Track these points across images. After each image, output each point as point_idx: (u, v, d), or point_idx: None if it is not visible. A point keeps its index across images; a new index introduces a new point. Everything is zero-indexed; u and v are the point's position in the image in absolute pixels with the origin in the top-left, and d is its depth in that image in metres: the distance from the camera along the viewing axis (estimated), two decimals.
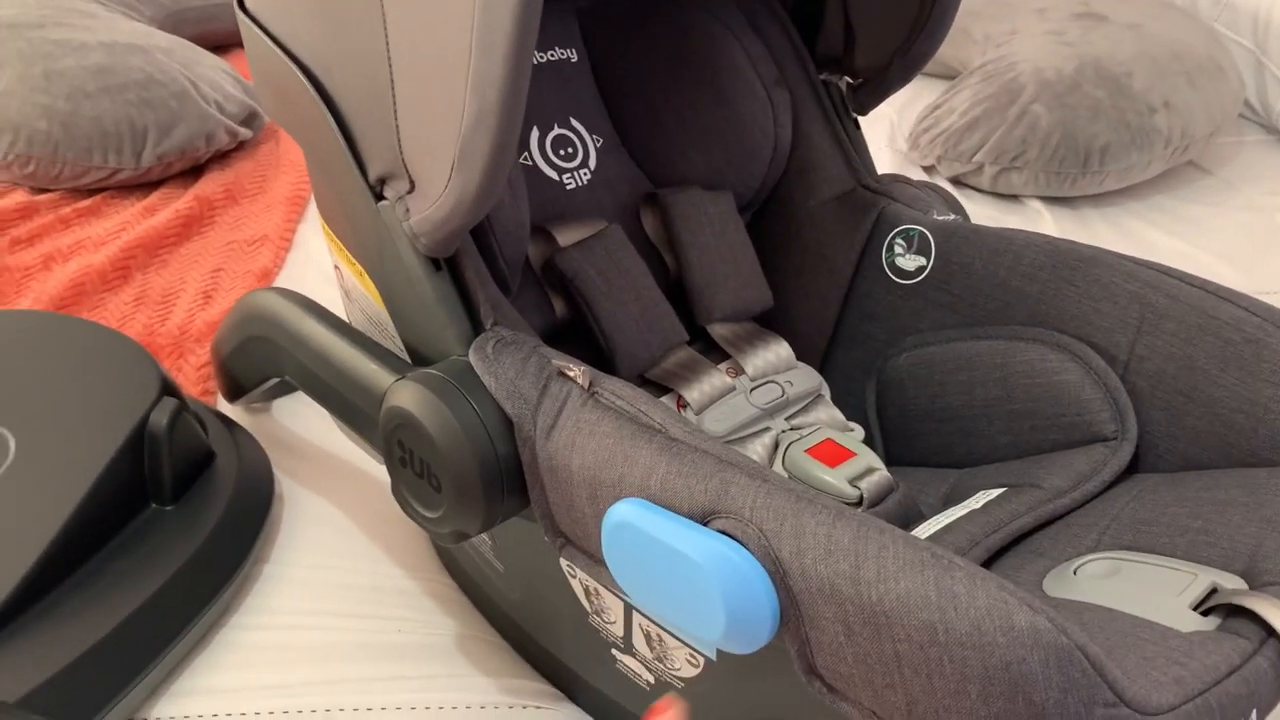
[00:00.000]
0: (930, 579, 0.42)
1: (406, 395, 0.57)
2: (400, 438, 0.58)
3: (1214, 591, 0.52)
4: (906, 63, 0.76)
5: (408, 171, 0.57)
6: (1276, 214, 1.36)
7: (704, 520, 0.47)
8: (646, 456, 0.50)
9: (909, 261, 0.76)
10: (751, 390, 0.72)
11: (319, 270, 1.12)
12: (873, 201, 0.78)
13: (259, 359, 0.75)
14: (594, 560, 0.54)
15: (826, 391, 0.76)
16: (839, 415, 0.75)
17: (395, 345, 0.66)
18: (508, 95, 0.49)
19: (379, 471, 0.83)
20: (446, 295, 0.59)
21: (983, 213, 1.33)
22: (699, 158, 0.80)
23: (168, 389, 0.77)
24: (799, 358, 0.78)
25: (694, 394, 0.71)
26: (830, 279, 0.79)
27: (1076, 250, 0.69)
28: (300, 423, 0.92)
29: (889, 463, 0.77)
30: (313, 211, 1.20)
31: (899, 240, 0.76)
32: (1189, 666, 0.45)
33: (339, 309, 0.73)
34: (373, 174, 0.59)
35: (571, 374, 0.55)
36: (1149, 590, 0.53)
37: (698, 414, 0.70)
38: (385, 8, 0.53)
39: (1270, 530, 0.54)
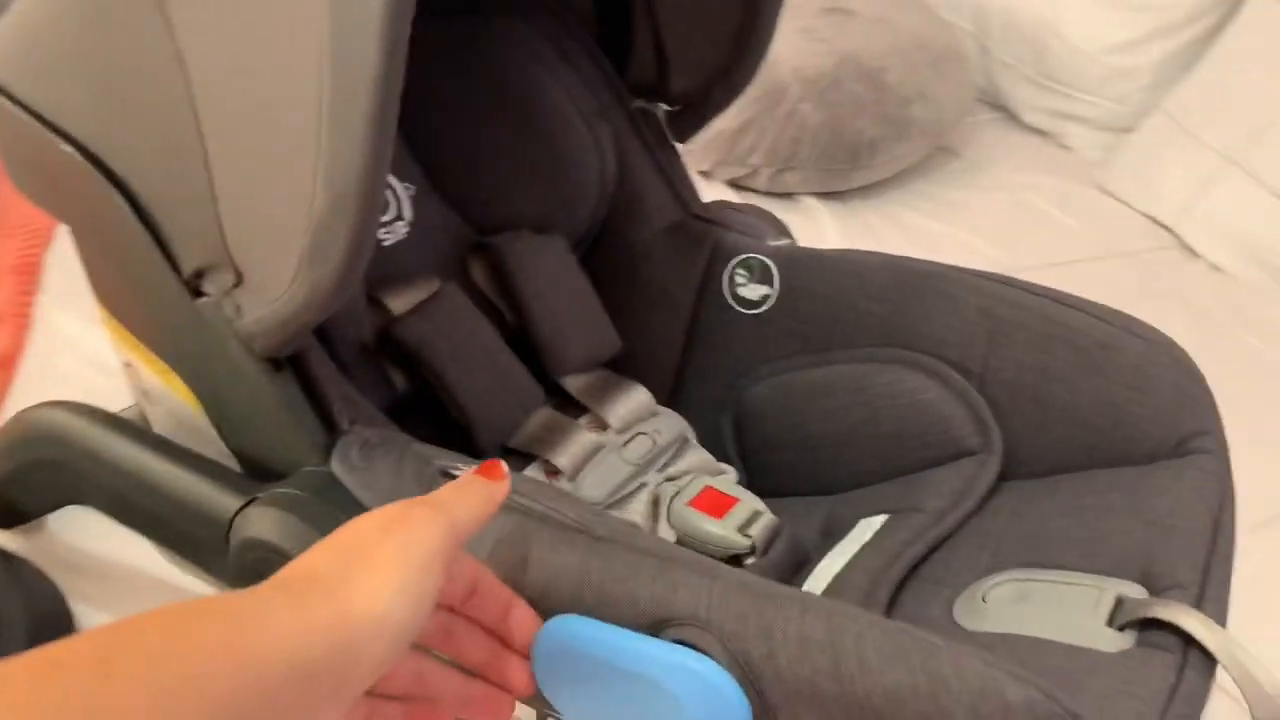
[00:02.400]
0: (916, 665, 0.40)
1: (266, 523, 0.49)
2: (262, 571, 0.50)
3: (1120, 603, 0.53)
4: (727, 87, 0.74)
5: (234, 263, 0.49)
6: (1022, 191, 1.47)
7: (655, 631, 0.43)
8: (573, 564, 0.45)
9: (752, 291, 0.74)
10: (622, 446, 0.68)
11: (78, 353, 0.97)
12: (705, 231, 0.76)
13: (48, 487, 0.63)
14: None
15: (692, 435, 0.73)
16: (709, 458, 0.72)
17: (219, 453, 0.58)
18: (369, 176, 0.42)
19: (192, 584, 0.72)
20: (292, 398, 0.52)
21: None
22: (524, 200, 0.75)
23: None
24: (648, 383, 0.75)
25: (564, 459, 0.66)
26: (672, 314, 0.77)
27: (918, 268, 0.69)
28: (89, 535, 0.79)
29: (758, 493, 0.76)
30: (52, 281, 1.05)
31: (739, 271, 0.75)
32: (1140, 695, 0.46)
33: (112, 402, 0.63)
34: (186, 266, 0.51)
35: (460, 474, 0.49)
36: (1063, 611, 0.54)
37: (572, 480, 0.65)
38: (192, 81, 0.45)
39: (1156, 533, 0.56)
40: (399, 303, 0.65)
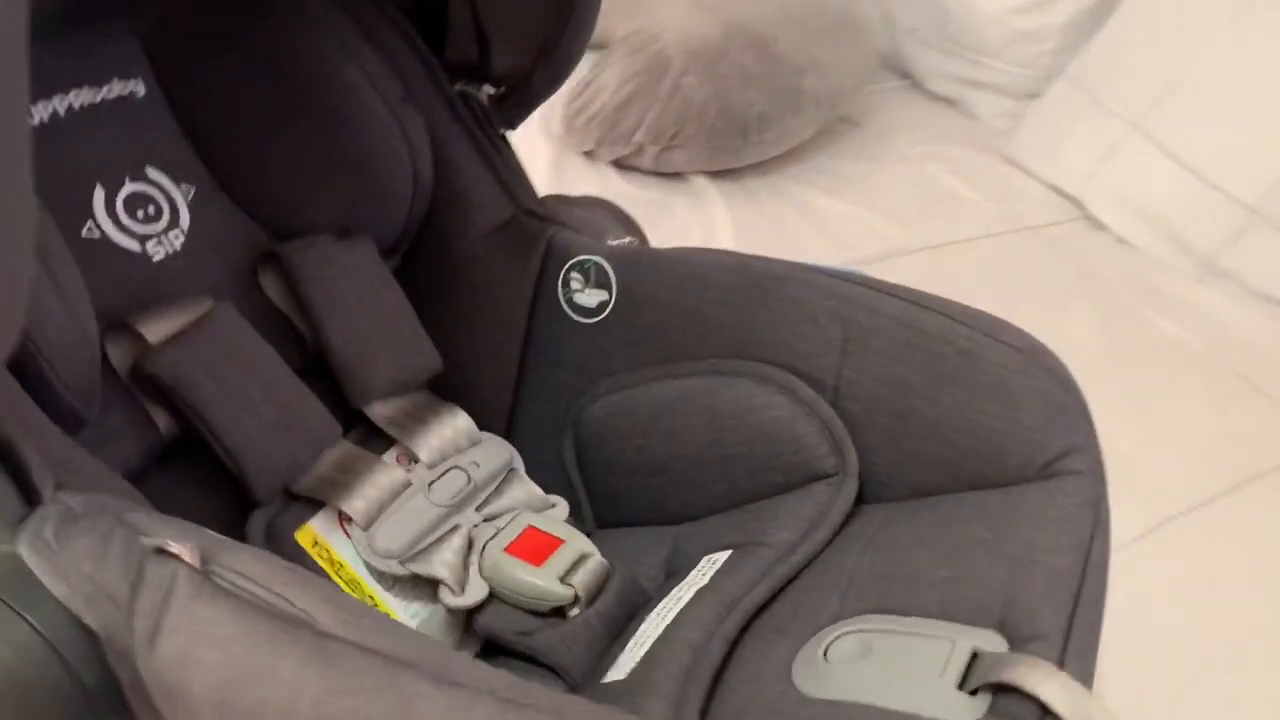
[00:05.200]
0: None
1: None
2: None
3: (975, 659, 0.46)
4: (551, 67, 0.66)
5: None
6: (925, 163, 1.40)
7: None
8: (290, 669, 0.37)
9: (588, 297, 0.66)
10: (431, 485, 0.60)
11: None
12: (539, 230, 0.68)
13: None
14: None
15: (519, 463, 0.65)
16: (536, 491, 0.64)
17: None
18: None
19: None
20: None
21: (648, 195, 1.27)
22: (323, 200, 0.66)
23: None
24: (483, 421, 0.67)
25: (357, 504, 0.57)
26: (505, 323, 0.68)
27: (769, 269, 0.62)
28: None
29: (600, 525, 0.68)
30: None
31: (575, 274, 0.66)
32: None
33: None
34: None
35: (174, 551, 0.41)
36: (909, 672, 0.46)
37: (366, 529, 0.57)
38: None
39: (1018, 572, 0.49)
40: (157, 330, 0.56)
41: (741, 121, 1.27)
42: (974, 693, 0.44)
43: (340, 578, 0.57)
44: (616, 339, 0.66)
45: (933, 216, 1.30)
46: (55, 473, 0.44)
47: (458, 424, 0.64)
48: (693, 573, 0.58)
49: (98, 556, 0.41)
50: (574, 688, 0.53)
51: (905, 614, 0.50)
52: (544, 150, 1.30)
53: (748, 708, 0.47)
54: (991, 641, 0.47)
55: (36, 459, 0.43)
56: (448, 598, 0.56)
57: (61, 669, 0.40)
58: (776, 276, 0.61)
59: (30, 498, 0.43)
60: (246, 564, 0.41)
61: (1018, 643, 0.46)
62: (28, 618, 0.40)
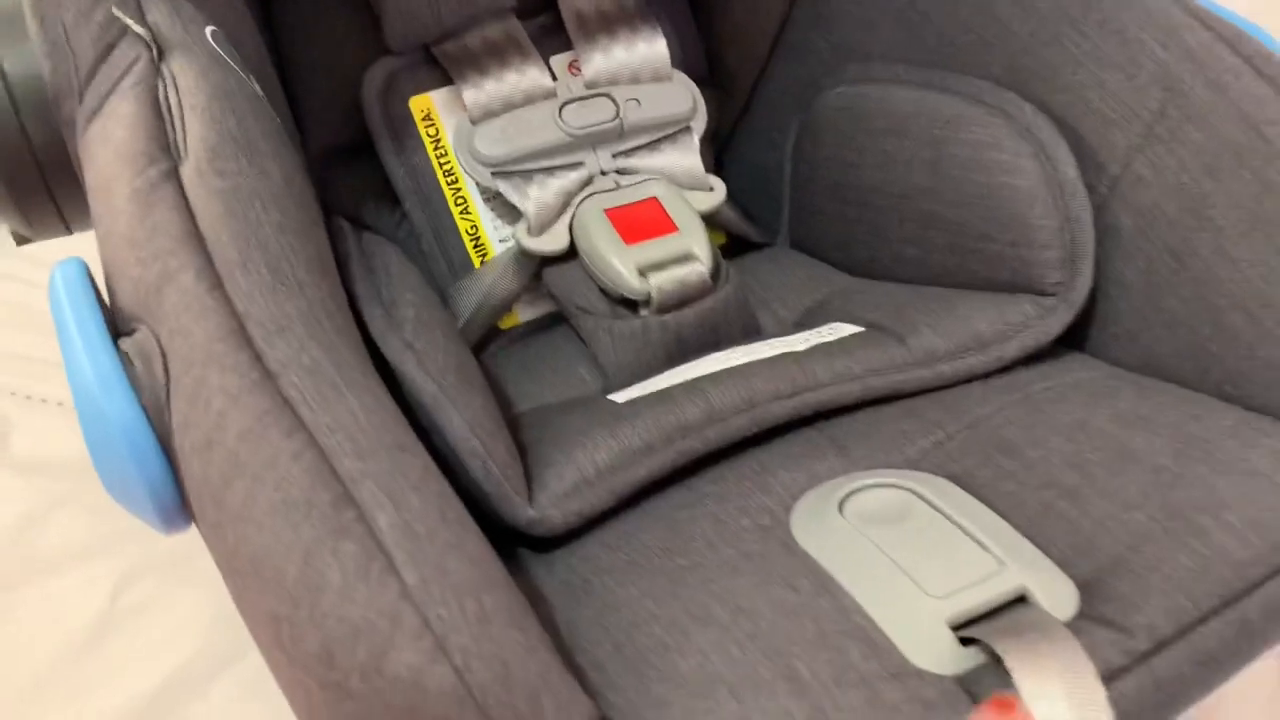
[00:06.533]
0: (292, 536, 0.23)
1: None
2: None
3: (1020, 600, 0.31)
4: None
5: None
6: None
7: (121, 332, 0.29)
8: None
9: None
10: (565, 104, 0.49)
11: None
12: None
13: None
14: None
15: (700, 124, 0.52)
16: (698, 165, 0.51)
17: None
18: None
19: None
20: None
21: None
22: None
23: None
24: (727, 66, 0.54)
25: (481, 93, 0.48)
26: None
27: None
28: None
29: (793, 243, 0.55)
30: None
31: None
32: None
33: None
34: None
35: (136, 30, 0.35)
36: (920, 571, 0.32)
37: (475, 124, 0.48)
38: None
39: (1167, 524, 0.32)
40: None
41: None
42: (967, 644, 0.30)
43: (440, 165, 0.50)
44: (889, 12, 0.49)
45: None
46: None
47: (647, 50, 0.51)
48: (807, 332, 0.44)
49: (84, 12, 0.37)
50: (606, 390, 0.44)
51: (990, 504, 0.35)
52: None
53: (715, 521, 0.36)
54: (1056, 593, 0.31)
55: None
56: (522, 235, 0.47)
57: (9, 107, 0.37)
58: None
59: None
60: (184, 73, 0.34)
61: (1091, 611, 0.30)
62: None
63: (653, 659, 0.29)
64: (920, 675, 0.29)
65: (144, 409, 0.27)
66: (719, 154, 0.59)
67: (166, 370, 0.27)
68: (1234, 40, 0.38)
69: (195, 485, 0.26)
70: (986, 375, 0.41)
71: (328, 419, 0.25)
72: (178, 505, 0.28)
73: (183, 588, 0.50)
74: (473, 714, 0.22)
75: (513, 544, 0.36)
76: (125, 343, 0.28)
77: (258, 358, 0.26)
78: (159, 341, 0.27)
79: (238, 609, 0.26)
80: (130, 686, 0.47)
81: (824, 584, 0.32)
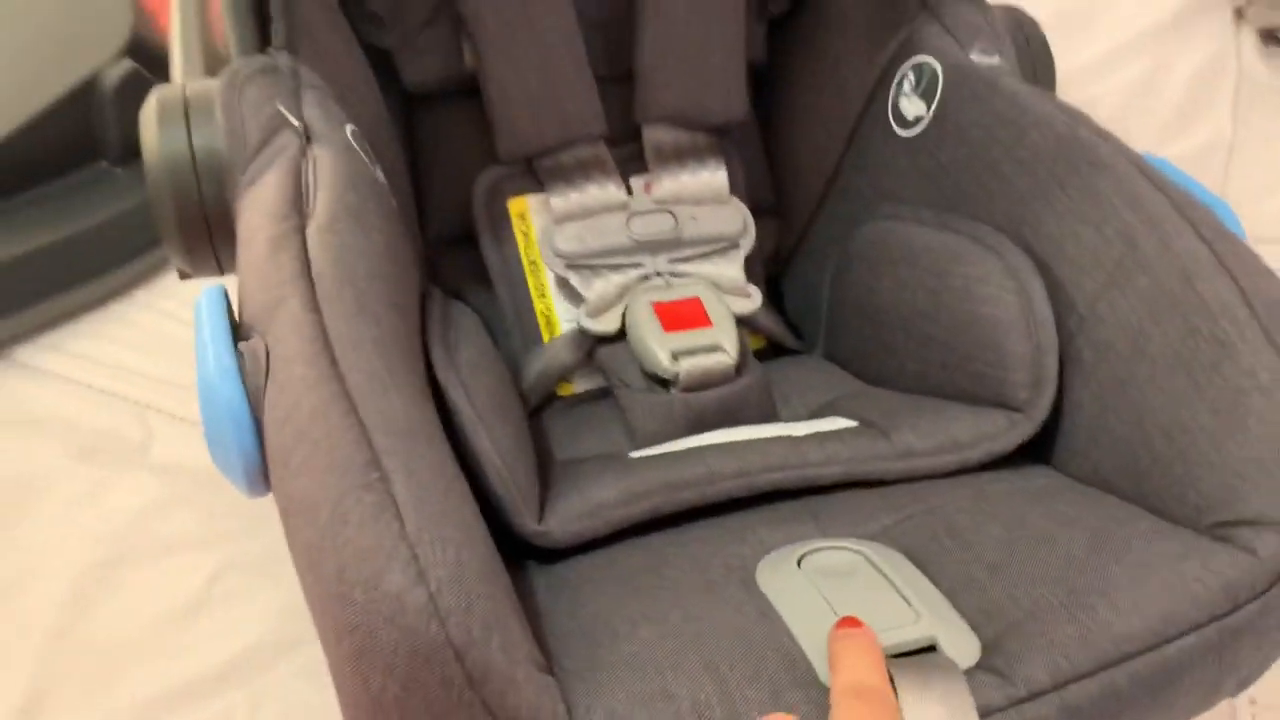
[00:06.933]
0: (331, 486, 0.31)
1: (144, 108, 0.50)
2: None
3: (930, 649, 0.37)
4: None
5: None
6: None
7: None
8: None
9: (911, 106, 0.57)
10: (634, 215, 0.59)
11: None
12: (913, 12, 0.58)
13: None
14: None
15: (748, 243, 0.60)
16: (740, 276, 0.59)
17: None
18: None
19: None
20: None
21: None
22: None
23: (136, 46, 0.75)
24: (790, 199, 0.63)
25: (566, 200, 0.58)
26: (840, 104, 0.62)
27: (1094, 150, 0.47)
28: None
29: (825, 356, 0.62)
30: None
31: (910, 73, 0.57)
32: None
33: None
34: None
35: (294, 123, 0.46)
36: (848, 611, 0.38)
37: (557, 224, 0.58)
38: None
39: (1064, 600, 0.37)
40: None
41: None
42: None
43: (527, 256, 0.59)
44: (916, 165, 0.57)
45: None
46: (292, 34, 0.51)
47: (710, 178, 0.61)
48: (808, 421, 0.51)
49: (258, 106, 0.48)
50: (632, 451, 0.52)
51: (926, 572, 0.41)
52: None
53: (692, 557, 0.43)
54: (963, 646, 0.37)
55: (280, 10, 0.50)
56: (582, 316, 0.56)
57: (191, 176, 0.48)
58: (1095, 162, 0.47)
59: (265, 42, 0.51)
60: (323, 158, 0.45)
61: (985, 667, 0.36)
62: (190, 130, 0.48)
63: (604, 640, 0.36)
64: (824, 688, 0.35)
65: (247, 393, 0.36)
66: (779, 274, 0.68)
67: (268, 367, 0.36)
68: (1182, 205, 0.44)
69: (273, 451, 0.35)
70: (954, 473, 0.47)
71: (374, 407, 0.33)
72: (261, 471, 0.37)
73: (263, 584, 0.59)
74: (436, 628, 0.29)
75: (524, 555, 0.43)
76: (243, 345, 0.38)
77: (333, 362, 0.35)
78: (266, 345, 0.37)
79: (289, 548, 0.34)
80: (212, 655, 0.56)
81: (765, 612, 0.38)
